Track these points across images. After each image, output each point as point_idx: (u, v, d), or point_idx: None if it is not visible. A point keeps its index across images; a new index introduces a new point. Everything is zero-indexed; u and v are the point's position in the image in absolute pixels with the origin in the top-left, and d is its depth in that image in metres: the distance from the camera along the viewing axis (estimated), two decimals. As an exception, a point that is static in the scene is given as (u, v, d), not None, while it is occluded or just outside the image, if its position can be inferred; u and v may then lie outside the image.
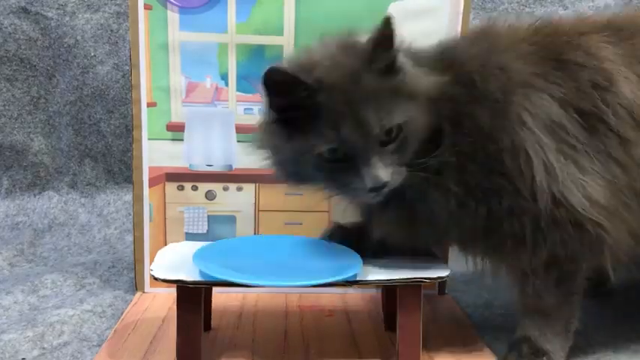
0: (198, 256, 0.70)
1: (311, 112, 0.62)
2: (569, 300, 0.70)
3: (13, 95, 1.29)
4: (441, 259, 0.76)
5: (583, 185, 0.64)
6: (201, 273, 0.67)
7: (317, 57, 0.65)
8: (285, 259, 0.73)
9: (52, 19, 1.25)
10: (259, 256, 0.74)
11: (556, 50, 0.68)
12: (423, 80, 0.64)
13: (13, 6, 1.25)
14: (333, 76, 0.62)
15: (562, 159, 0.64)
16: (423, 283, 0.68)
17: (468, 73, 0.66)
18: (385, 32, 0.62)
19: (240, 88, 0.90)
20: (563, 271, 0.68)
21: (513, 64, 0.67)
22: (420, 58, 0.68)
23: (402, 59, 0.64)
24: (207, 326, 0.79)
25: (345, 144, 0.61)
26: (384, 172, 0.61)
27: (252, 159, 0.90)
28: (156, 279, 0.66)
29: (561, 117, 0.65)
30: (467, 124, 0.65)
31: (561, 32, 0.70)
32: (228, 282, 0.65)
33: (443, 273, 0.70)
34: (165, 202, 0.92)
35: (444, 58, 0.68)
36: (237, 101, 0.90)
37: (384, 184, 0.62)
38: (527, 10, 1.22)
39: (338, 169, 0.63)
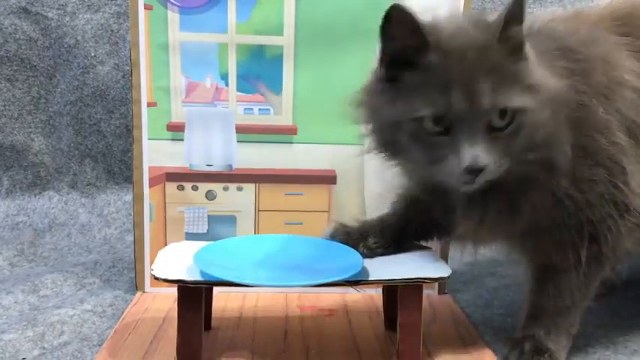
0: (199, 256, 0.70)
1: (422, 74, 0.58)
2: (585, 300, 0.71)
3: (13, 95, 1.29)
4: (441, 258, 0.76)
5: None
6: (202, 273, 0.67)
7: (443, 22, 0.62)
8: (287, 258, 0.73)
9: (53, 19, 1.26)
10: (260, 255, 0.74)
11: None
12: (548, 79, 0.60)
13: (14, 6, 1.25)
14: (455, 41, 0.58)
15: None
16: (424, 283, 0.68)
17: (580, 62, 0.64)
18: (516, 6, 0.57)
19: (240, 88, 0.90)
20: (602, 271, 0.69)
21: (613, 56, 0.65)
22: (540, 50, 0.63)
23: (528, 48, 0.60)
24: (208, 326, 0.80)
25: (452, 112, 0.56)
26: (485, 154, 0.56)
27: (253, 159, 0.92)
28: (157, 279, 0.67)
29: None
30: (583, 115, 0.63)
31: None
32: (229, 282, 0.65)
33: (444, 273, 0.69)
34: (165, 202, 0.92)
35: (557, 48, 0.65)
36: (237, 101, 0.90)
37: (482, 168, 0.56)
38: (527, 10, 1.21)
39: (435, 143, 0.58)
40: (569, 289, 0.69)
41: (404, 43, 0.59)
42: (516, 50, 0.58)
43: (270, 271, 0.69)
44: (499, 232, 0.70)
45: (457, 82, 0.56)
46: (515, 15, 0.57)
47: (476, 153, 0.55)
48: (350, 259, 0.71)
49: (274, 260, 0.73)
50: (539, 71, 0.60)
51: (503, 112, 0.57)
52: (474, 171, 0.56)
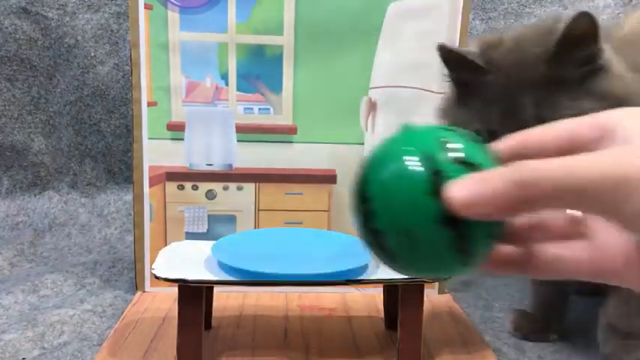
0: (222, 250, 0.71)
1: (480, 91, 0.62)
2: None
3: (13, 95, 1.29)
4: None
5: None
6: (229, 268, 0.67)
7: (507, 37, 0.65)
8: (295, 250, 0.75)
9: (53, 19, 1.25)
10: (276, 248, 0.75)
11: None
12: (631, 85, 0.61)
13: (14, 6, 1.25)
14: (506, 58, 0.61)
15: None
16: (425, 283, 0.68)
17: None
18: (581, 21, 0.57)
19: (240, 87, 0.90)
20: None
21: None
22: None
23: (608, 57, 0.60)
24: (208, 325, 0.80)
25: (491, 127, 0.59)
26: None
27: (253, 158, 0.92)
28: (157, 278, 0.67)
29: None
30: None
31: None
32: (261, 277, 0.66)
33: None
34: (165, 202, 0.92)
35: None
36: (238, 101, 0.90)
37: None
38: (527, 10, 1.22)
39: None
40: None
41: (459, 71, 0.64)
42: (584, 61, 0.59)
43: (289, 262, 0.70)
44: None
45: (499, 98, 0.60)
46: (579, 29, 0.58)
47: None
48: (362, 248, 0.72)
49: (289, 251, 0.74)
50: (620, 82, 0.60)
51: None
52: None
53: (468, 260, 0.35)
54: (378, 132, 0.91)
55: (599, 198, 0.30)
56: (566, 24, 0.58)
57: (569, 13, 1.21)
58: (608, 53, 0.61)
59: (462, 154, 0.33)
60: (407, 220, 0.34)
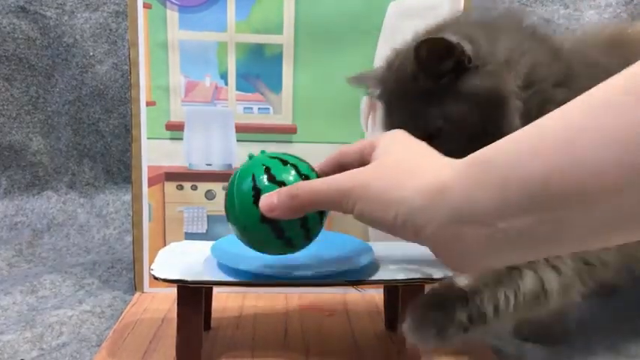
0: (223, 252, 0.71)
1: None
2: None
3: (11, 95, 1.28)
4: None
5: None
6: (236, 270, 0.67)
7: (396, 56, 0.72)
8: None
9: (51, 18, 1.25)
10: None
11: None
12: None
13: (12, 5, 1.25)
14: (388, 77, 0.71)
15: None
16: (426, 283, 0.68)
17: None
18: (420, 55, 0.63)
19: (239, 87, 0.90)
20: None
21: None
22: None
23: (484, 55, 0.64)
24: (207, 326, 0.79)
25: None
26: None
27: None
28: (156, 279, 0.66)
29: None
30: None
31: None
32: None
33: (447, 273, 0.69)
34: (164, 202, 0.91)
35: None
36: (237, 100, 0.90)
37: None
38: (527, 9, 1.21)
39: None
40: None
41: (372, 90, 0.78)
42: (449, 70, 0.64)
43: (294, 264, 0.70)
44: None
45: (386, 115, 0.72)
46: (423, 55, 0.63)
47: None
48: (363, 248, 0.74)
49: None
50: (490, 78, 0.64)
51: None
52: None
53: (289, 243, 0.59)
54: (378, 132, 0.91)
55: (337, 205, 0.48)
56: (408, 55, 0.66)
57: (570, 12, 1.21)
58: (487, 51, 0.64)
59: (273, 176, 0.57)
60: (243, 219, 0.59)
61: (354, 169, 0.50)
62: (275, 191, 0.53)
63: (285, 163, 0.59)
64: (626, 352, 0.77)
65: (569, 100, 0.39)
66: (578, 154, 0.34)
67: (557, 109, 0.38)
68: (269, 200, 0.53)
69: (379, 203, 0.45)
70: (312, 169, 0.61)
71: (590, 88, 0.47)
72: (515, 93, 0.64)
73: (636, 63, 0.36)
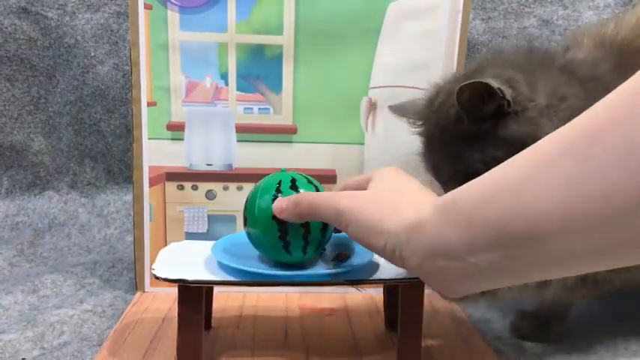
0: (222, 250, 0.72)
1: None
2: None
3: (13, 95, 1.29)
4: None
5: None
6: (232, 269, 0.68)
7: (439, 92, 0.72)
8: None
9: (52, 19, 1.25)
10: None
11: None
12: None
13: (13, 6, 1.25)
14: (430, 117, 0.72)
15: None
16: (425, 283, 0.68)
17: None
18: (461, 100, 0.64)
19: (240, 87, 0.90)
20: None
21: None
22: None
23: (525, 98, 0.65)
24: (208, 325, 0.80)
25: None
26: None
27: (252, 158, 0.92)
28: (157, 278, 0.66)
29: None
30: None
31: None
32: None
33: None
34: (165, 202, 0.92)
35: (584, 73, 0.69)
36: (237, 101, 0.90)
37: None
38: (527, 10, 1.21)
39: None
40: None
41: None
42: (490, 115, 0.64)
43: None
44: None
45: (427, 156, 0.73)
46: (464, 99, 0.64)
47: None
48: (363, 248, 0.73)
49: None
50: (529, 126, 0.64)
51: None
52: None
53: (287, 246, 0.66)
54: (378, 132, 0.91)
55: (332, 220, 0.56)
56: (449, 97, 0.66)
57: (569, 13, 1.21)
58: (527, 97, 0.65)
59: (296, 187, 0.65)
60: (258, 212, 0.66)
61: (353, 192, 0.57)
62: (287, 197, 0.62)
63: (309, 182, 0.67)
64: (625, 351, 0.77)
65: None
66: (525, 203, 0.39)
67: (517, 155, 0.43)
68: (281, 202, 0.62)
69: (370, 231, 0.51)
70: None
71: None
72: None
73: (571, 122, 0.40)
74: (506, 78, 0.66)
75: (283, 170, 0.69)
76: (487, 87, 0.63)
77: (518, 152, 0.62)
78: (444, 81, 0.74)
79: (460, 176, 0.66)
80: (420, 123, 0.74)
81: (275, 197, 0.64)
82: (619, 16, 0.79)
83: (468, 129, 0.66)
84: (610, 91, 0.53)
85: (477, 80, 0.63)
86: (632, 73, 0.41)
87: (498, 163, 0.63)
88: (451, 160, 0.69)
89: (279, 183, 0.66)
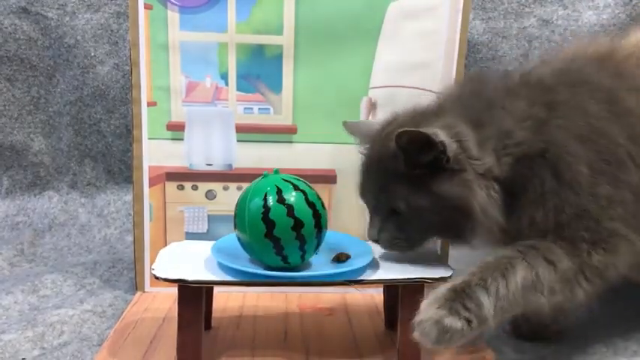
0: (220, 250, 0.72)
1: None
2: (517, 305, 0.67)
3: (13, 95, 1.29)
4: (442, 258, 0.76)
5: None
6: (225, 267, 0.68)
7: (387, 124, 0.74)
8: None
9: (52, 19, 1.25)
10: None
11: None
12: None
13: (13, 6, 1.25)
14: (373, 147, 0.72)
15: None
16: (425, 283, 0.68)
17: (604, 91, 0.68)
18: (401, 143, 0.65)
19: (240, 87, 0.90)
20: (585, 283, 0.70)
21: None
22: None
23: (465, 160, 0.66)
24: (208, 325, 0.80)
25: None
26: (375, 231, 0.71)
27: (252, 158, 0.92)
28: (157, 278, 0.67)
29: None
30: (602, 141, 0.67)
31: None
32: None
33: (446, 273, 0.69)
34: (165, 202, 0.92)
35: (573, 78, 0.70)
36: (237, 101, 0.90)
37: (375, 240, 0.72)
38: (527, 10, 1.21)
39: None
40: (554, 274, 0.65)
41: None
42: (428, 163, 0.66)
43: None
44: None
45: (362, 180, 0.74)
46: (403, 143, 0.65)
47: (370, 231, 0.72)
48: (363, 248, 0.74)
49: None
50: (461, 188, 0.66)
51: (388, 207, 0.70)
52: (375, 240, 0.72)
53: (285, 260, 0.67)
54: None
55: None
56: (388, 138, 0.67)
57: (569, 13, 1.21)
58: (473, 155, 0.67)
59: (284, 197, 0.66)
60: (250, 231, 0.67)
61: None
62: None
63: (296, 188, 0.68)
64: (625, 351, 0.77)
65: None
66: None
67: None
68: None
69: None
70: (319, 197, 0.69)
71: (576, 107, 0.63)
72: (489, 202, 0.66)
73: None
74: (455, 132, 0.66)
75: (265, 175, 0.69)
76: (428, 138, 0.64)
77: (443, 209, 0.66)
78: (404, 112, 0.74)
79: (382, 210, 0.70)
80: (367, 146, 0.74)
81: (264, 214, 0.65)
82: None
83: (400, 169, 0.67)
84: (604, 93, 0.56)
85: (417, 130, 0.63)
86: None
87: (421, 210, 0.67)
88: (378, 192, 0.70)
89: (265, 197, 0.66)
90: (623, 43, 0.77)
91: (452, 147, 0.65)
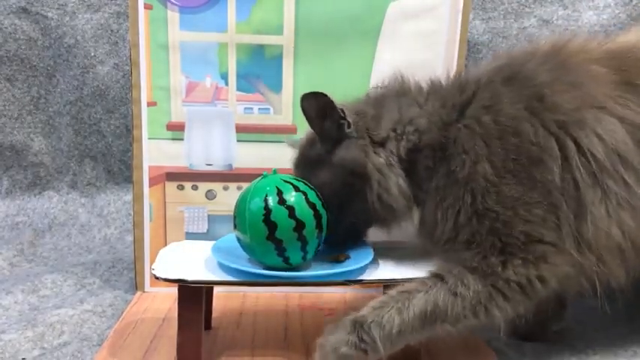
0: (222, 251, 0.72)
1: None
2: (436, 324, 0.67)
3: (13, 95, 1.29)
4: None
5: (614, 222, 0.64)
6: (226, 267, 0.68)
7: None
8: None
9: (52, 19, 1.25)
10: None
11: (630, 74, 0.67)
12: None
13: (14, 6, 1.25)
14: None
15: (604, 199, 0.63)
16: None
17: (535, 87, 0.66)
18: (306, 110, 0.70)
19: (240, 87, 0.90)
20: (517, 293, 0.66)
21: (586, 82, 0.66)
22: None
23: (362, 127, 0.71)
24: (208, 325, 0.80)
25: None
26: None
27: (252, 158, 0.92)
28: (157, 278, 0.67)
29: (626, 146, 0.64)
30: (513, 140, 0.64)
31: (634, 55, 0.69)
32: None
33: None
34: (165, 202, 0.92)
35: (506, 73, 0.69)
36: (237, 101, 0.90)
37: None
38: (527, 10, 1.21)
39: None
40: (461, 296, 0.64)
41: None
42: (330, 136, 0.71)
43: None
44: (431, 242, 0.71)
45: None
46: (308, 109, 0.71)
47: None
48: (362, 250, 0.74)
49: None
50: (357, 151, 0.70)
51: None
52: None
53: (286, 261, 0.67)
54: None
55: None
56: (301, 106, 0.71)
57: (569, 13, 1.21)
58: (370, 126, 0.71)
59: (284, 199, 0.65)
60: (251, 233, 0.66)
61: None
62: None
63: (296, 189, 0.68)
64: (625, 352, 0.77)
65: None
66: None
67: None
68: None
69: None
70: (320, 198, 0.69)
71: (488, 107, 0.65)
72: (387, 166, 0.70)
73: None
74: (356, 110, 0.72)
75: (265, 176, 0.70)
76: (327, 100, 0.69)
77: (345, 178, 0.70)
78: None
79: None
80: (296, 155, 0.78)
81: (265, 215, 0.65)
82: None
83: (317, 151, 0.72)
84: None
85: (318, 92, 0.68)
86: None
87: (328, 188, 0.70)
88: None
89: (265, 199, 0.66)
90: (620, 38, 0.75)
91: (353, 117, 0.70)
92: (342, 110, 0.70)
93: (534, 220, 0.63)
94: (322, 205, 0.68)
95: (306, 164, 0.75)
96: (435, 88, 0.73)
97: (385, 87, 0.76)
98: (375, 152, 0.70)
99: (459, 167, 0.65)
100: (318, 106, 0.69)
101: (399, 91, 0.74)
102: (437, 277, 0.65)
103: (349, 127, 0.70)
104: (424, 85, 0.74)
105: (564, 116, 0.64)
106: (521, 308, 0.65)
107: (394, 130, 0.71)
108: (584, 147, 0.63)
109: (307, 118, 0.71)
